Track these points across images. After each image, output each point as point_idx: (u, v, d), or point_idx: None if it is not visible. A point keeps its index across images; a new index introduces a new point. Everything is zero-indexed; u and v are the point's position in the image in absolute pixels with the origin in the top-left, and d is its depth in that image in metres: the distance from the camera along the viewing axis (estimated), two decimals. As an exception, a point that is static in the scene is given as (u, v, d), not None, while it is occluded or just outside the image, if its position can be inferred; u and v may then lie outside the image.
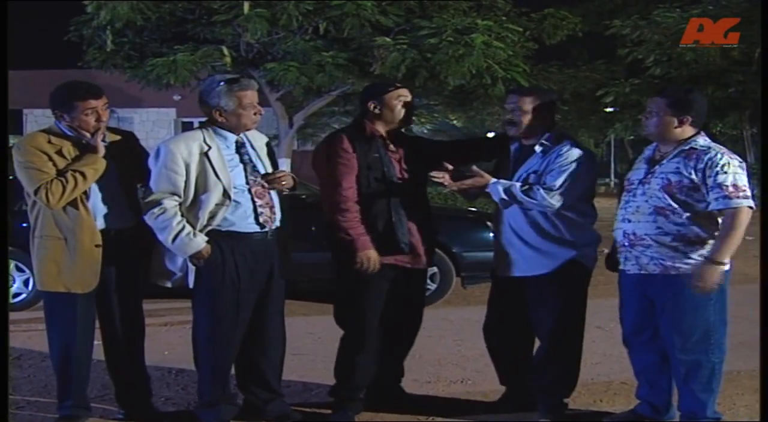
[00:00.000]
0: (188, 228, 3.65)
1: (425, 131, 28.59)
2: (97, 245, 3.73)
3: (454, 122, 34.92)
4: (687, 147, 3.60)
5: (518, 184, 3.80)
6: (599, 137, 33.31)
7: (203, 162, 3.68)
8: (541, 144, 3.86)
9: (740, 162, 3.57)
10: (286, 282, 3.95)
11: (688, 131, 3.63)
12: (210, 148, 3.70)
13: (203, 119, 3.84)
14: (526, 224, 3.84)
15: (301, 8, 12.72)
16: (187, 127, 25.25)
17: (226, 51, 13.51)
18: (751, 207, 3.49)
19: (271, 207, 3.80)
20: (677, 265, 3.60)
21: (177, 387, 4.66)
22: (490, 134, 4.64)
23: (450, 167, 3.86)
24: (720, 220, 3.56)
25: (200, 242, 3.66)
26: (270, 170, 3.88)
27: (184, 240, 3.64)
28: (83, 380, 3.93)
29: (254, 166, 3.81)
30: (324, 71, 12.96)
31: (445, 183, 3.84)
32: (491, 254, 4.17)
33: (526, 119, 3.86)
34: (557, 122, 4.08)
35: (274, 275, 3.86)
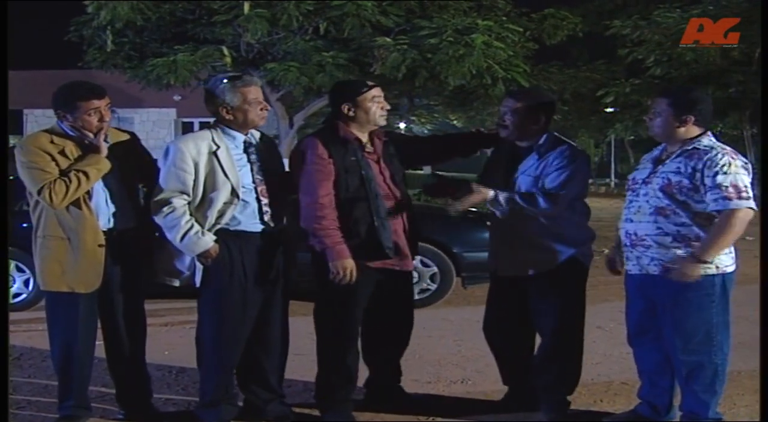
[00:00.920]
0: (197, 227, 3.66)
1: (426, 132, 28.59)
2: (99, 245, 3.74)
3: (455, 122, 34.89)
4: (690, 147, 3.57)
5: (517, 194, 3.77)
6: (599, 138, 33.31)
7: (212, 161, 3.69)
8: (537, 147, 3.85)
9: (744, 163, 3.53)
10: (290, 282, 3.96)
11: (692, 130, 3.61)
12: (219, 147, 3.72)
13: (204, 120, 3.86)
14: (525, 223, 3.84)
15: (301, 8, 12.73)
16: (188, 127, 25.26)
17: (226, 51, 13.52)
18: (751, 208, 3.46)
19: (276, 206, 3.81)
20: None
21: (177, 388, 4.67)
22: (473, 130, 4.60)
23: (454, 202, 3.77)
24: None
25: (208, 241, 3.67)
26: (275, 168, 3.88)
27: (193, 239, 3.65)
28: (84, 380, 3.94)
29: (260, 165, 3.81)
30: (324, 71, 12.96)
31: (449, 208, 3.80)
32: (491, 254, 4.17)
33: (518, 122, 3.85)
34: (556, 122, 4.09)
35: (279, 275, 3.87)
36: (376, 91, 3.86)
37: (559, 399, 4.01)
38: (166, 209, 3.67)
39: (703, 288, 3.55)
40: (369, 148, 3.89)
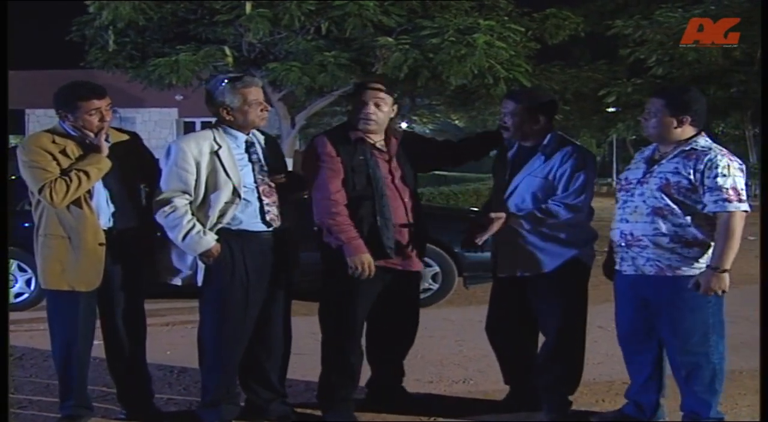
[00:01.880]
0: (198, 226, 3.67)
1: (427, 131, 28.63)
2: (100, 244, 3.75)
3: (456, 122, 34.92)
4: (688, 148, 3.56)
5: (536, 210, 3.76)
6: (601, 137, 33.31)
7: (214, 161, 3.70)
8: (542, 148, 3.85)
9: (740, 164, 3.53)
10: (291, 282, 3.96)
11: (688, 131, 3.60)
12: (220, 147, 3.72)
13: (205, 119, 3.87)
14: (528, 223, 3.83)
15: (303, 8, 12.72)
16: (189, 127, 25.28)
17: (228, 51, 13.51)
18: (747, 211, 3.46)
19: (278, 206, 3.81)
20: (674, 266, 3.57)
21: (179, 387, 4.67)
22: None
23: (477, 239, 3.79)
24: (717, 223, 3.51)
25: (210, 240, 3.67)
26: (278, 168, 3.89)
27: (194, 238, 3.65)
28: (83, 379, 3.94)
29: (262, 165, 3.82)
30: (326, 71, 12.95)
31: (478, 240, 3.79)
32: (493, 254, 4.16)
33: (519, 124, 3.85)
34: (558, 122, 4.08)
35: (281, 275, 3.87)
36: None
37: (561, 399, 4.01)
38: (167, 209, 3.68)
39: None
40: (381, 147, 3.90)
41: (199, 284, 3.80)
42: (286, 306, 3.97)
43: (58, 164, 3.69)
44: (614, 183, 35.18)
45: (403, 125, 26.90)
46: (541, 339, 4.07)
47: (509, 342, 4.14)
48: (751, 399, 4.31)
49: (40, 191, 3.65)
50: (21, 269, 6.95)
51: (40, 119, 24.77)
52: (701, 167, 3.49)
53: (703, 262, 3.54)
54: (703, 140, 3.59)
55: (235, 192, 3.71)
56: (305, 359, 4.34)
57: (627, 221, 3.68)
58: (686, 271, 3.56)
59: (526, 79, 12.98)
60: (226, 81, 3.75)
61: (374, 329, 4.10)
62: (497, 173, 4.07)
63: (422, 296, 6.78)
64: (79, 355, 3.87)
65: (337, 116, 23.22)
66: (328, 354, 3.98)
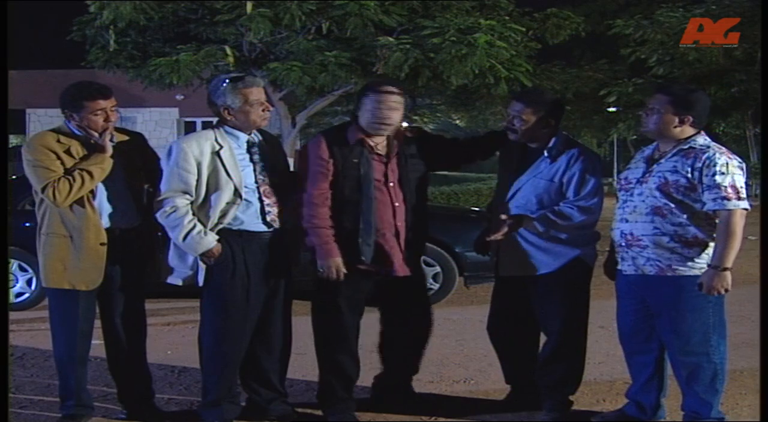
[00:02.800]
0: (199, 227, 3.67)
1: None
2: (102, 244, 3.75)
3: (457, 121, 34.95)
4: (686, 146, 3.55)
5: (550, 213, 3.75)
6: (602, 137, 33.32)
7: (215, 161, 3.70)
8: (548, 150, 3.83)
9: (739, 162, 3.52)
10: (292, 282, 3.97)
11: (687, 130, 3.58)
12: (222, 147, 3.72)
13: (207, 119, 3.88)
14: (542, 226, 3.80)
15: (304, 8, 12.73)
16: (190, 127, 25.28)
17: (228, 51, 13.53)
18: (746, 209, 3.46)
19: (278, 206, 3.81)
20: (675, 266, 3.56)
21: (180, 387, 4.67)
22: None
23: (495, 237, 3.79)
24: (717, 222, 3.50)
25: (211, 240, 3.67)
26: (280, 169, 3.89)
27: (195, 238, 3.66)
28: (82, 378, 3.94)
29: (264, 165, 3.82)
30: (327, 71, 12.96)
31: (494, 238, 3.80)
32: (494, 254, 4.17)
33: (527, 127, 3.82)
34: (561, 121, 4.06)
35: (282, 275, 3.88)
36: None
37: (562, 399, 4.01)
38: (168, 209, 3.68)
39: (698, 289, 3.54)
40: (380, 149, 3.86)
41: (200, 284, 3.80)
42: (287, 306, 3.97)
43: (62, 163, 3.70)
44: (615, 183, 35.23)
45: (404, 125, 26.93)
46: (542, 338, 4.07)
47: (510, 341, 4.14)
48: (752, 398, 4.31)
49: (43, 190, 3.66)
50: (22, 269, 6.94)
51: (40, 119, 24.79)
52: (699, 165, 3.47)
53: (704, 262, 3.53)
54: (702, 139, 3.57)
55: (237, 193, 3.71)
56: (305, 359, 4.34)
57: (627, 221, 3.67)
58: (687, 271, 3.55)
59: (527, 79, 12.99)
60: (227, 81, 3.74)
61: (382, 329, 4.15)
62: (502, 174, 4.06)
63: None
64: (80, 354, 3.87)
65: (337, 116, 23.25)
66: (319, 355, 4.00)
